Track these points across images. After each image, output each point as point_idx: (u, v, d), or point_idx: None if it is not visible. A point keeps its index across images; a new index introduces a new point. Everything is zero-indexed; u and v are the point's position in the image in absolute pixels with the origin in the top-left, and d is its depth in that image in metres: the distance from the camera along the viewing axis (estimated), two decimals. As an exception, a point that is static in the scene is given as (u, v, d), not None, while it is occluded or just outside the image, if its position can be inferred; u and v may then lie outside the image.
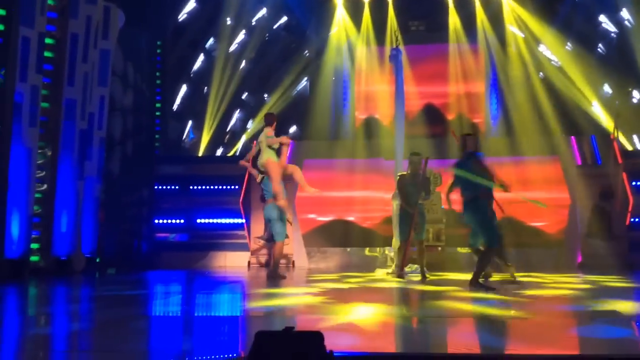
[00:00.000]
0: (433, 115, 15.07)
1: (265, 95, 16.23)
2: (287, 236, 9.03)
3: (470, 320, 4.87)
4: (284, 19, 16.25)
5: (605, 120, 14.04)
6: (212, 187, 13.86)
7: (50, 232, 10.48)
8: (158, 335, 4.41)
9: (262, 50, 15.91)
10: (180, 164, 14.58)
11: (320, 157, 13.43)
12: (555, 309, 5.69)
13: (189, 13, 15.55)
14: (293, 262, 12.85)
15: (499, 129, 15.04)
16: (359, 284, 8.26)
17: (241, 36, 15.90)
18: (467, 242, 8.11)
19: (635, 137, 14.23)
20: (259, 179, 9.16)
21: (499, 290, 6.91)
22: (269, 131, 8.91)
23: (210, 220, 13.77)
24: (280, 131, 9.76)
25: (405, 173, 9.16)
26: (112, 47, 11.96)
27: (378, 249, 12.73)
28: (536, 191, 10.64)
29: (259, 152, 9.11)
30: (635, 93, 14.71)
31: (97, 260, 11.71)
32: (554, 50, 15.02)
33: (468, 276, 8.95)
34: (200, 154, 15.08)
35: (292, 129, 16.12)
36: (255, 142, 9.40)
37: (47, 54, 10.44)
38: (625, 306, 5.70)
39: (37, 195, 10.25)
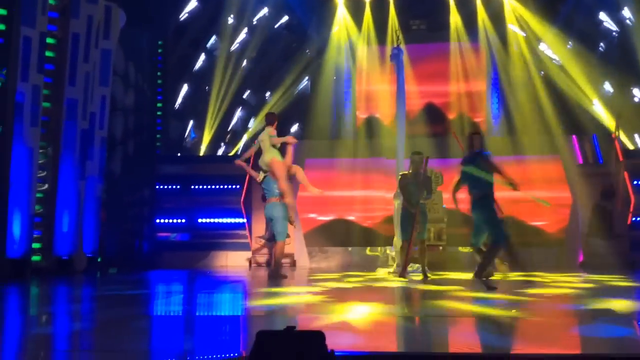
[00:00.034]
0: (434, 115, 15.07)
1: (267, 95, 16.23)
2: (288, 235, 9.02)
3: (471, 319, 4.87)
4: (285, 18, 16.24)
5: (607, 119, 14.02)
6: (213, 186, 13.87)
7: (52, 232, 10.49)
8: (159, 334, 4.42)
9: (263, 49, 15.91)
10: (182, 163, 14.59)
11: (322, 157, 13.44)
12: (556, 308, 5.68)
13: (190, 12, 15.55)
14: (295, 261, 12.86)
15: (500, 128, 15.04)
16: (360, 283, 8.26)
17: (242, 35, 15.91)
18: (468, 242, 8.13)
19: (636, 136, 14.21)
20: (260, 178, 9.02)
21: (500, 290, 6.90)
22: (272, 130, 8.89)
23: (212, 220, 13.78)
24: (281, 130, 9.73)
25: (406, 172, 9.16)
26: (114, 47, 11.97)
27: (379, 248, 12.73)
28: (537, 190, 10.61)
29: (258, 152, 9.09)
30: (636, 92, 14.68)
31: (99, 259, 11.72)
32: (555, 49, 15.01)
33: (469, 276, 8.96)
34: (201, 153, 15.09)
35: (294, 128, 16.12)
36: (255, 141, 9.37)
37: (48, 53, 10.46)
38: (621, 305, 5.69)
39: (38, 195, 10.26)
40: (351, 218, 13.36)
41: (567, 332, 4.24)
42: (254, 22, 16.02)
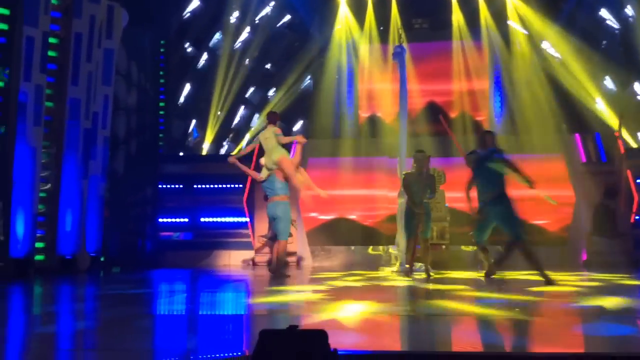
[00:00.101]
0: (436, 113, 15.05)
1: (269, 93, 16.23)
2: (290, 235, 9.00)
3: (474, 318, 4.86)
4: (288, 17, 16.24)
5: (610, 117, 14.00)
6: (216, 185, 13.88)
7: (55, 231, 10.51)
8: (162, 333, 4.42)
9: (265, 48, 15.92)
10: (184, 162, 14.62)
11: (324, 156, 13.44)
12: (558, 307, 5.67)
13: (192, 12, 15.56)
14: (298, 260, 12.87)
15: (503, 126, 15.02)
16: (363, 282, 8.26)
17: (245, 34, 15.91)
18: (472, 239, 8.12)
19: (639, 134, 14.18)
20: (263, 177, 8.86)
21: (503, 289, 6.90)
22: (277, 129, 8.86)
23: (214, 219, 13.79)
24: (282, 129, 9.69)
25: (410, 172, 9.16)
26: (116, 47, 11.98)
27: (381, 247, 12.74)
28: (540, 189, 10.60)
29: (256, 151, 9.02)
30: (639, 90, 14.64)
31: (102, 259, 11.74)
32: (557, 47, 14.98)
33: (472, 274, 8.96)
34: (203, 152, 15.11)
35: (297, 127, 16.11)
36: (253, 140, 9.33)
37: (51, 53, 10.48)
38: (624, 303, 5.68)
39: (41, 194, 10.28)
40: (353, 217, 13.36)
41: (570, 331, 4.23)
42: (256, 21, 16.03)
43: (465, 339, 3.97)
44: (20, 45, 9.66)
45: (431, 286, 7.60)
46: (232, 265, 13.23)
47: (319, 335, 2.72)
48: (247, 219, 13.46)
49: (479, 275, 8.78)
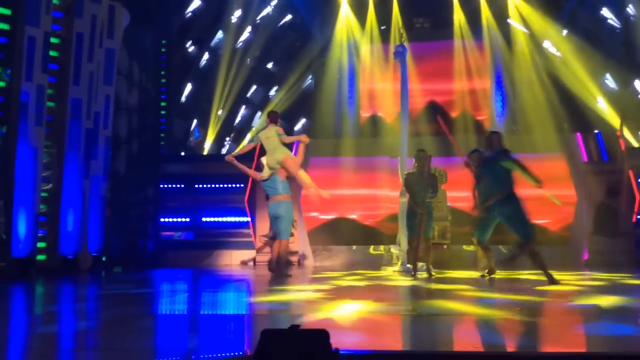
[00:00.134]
0: (437, 113, 15.04)
1: (271, 93, 16.23)
2: (292, 234, 8.99)
3: (476, 318, 4.86)
4: (289, 16, 16.25)
5: (611, 116, 13.98)
6: (217, 185, 13.89)
7: (57, 231, 10.53)
8: (164, 333, 4.43)
9: (267, 48, 15.92)
10: (186, 162, 14.63)
11: (325, 155, 13.44)
12: (559, 306, 5.67)
13: (193, 11, 15.57)
14: (299, 259, 12.88)
15: (504, 126, 15.01)
16: (364, 281, 8.26)
17: (246, 34, 15.92)
18: (474, 238, 8.12)
19: (641, 133, 14.18)
20: (265, 176, 8.84)
21: (504, 288, 6.89)
22: (279, 128, 8.86)
23: (216, 219, 13.80)
24: (284, 128, 9.68)
25: (411, 171, 9.16)
26: (117, 46, 11.99)
27: (382, 247, 12.74)
28: (544, 189, 10.59)
29: (256, 150, 9.02)
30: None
31: (104, 259, 11.75)
32: (558, 46, 14.97)
33: (473, 274, 8.95)
34: (205, 152, 15.11)
35: (298, 126, 16.11)
36: (253, 139, 9.31)
37: (52, 53, 10.49)
38: (625, 302, 5.68)
39: (43, 194, 10.29)
40: (355, 216, 13.36)
41: (571, 331, 4.23)
42: (258, 21, 16.04)
43: (467, 339, 3.97)
44: (22, 45, 9.67)
45: (432, 286, 7.60)
46: (234, 264, 13.24)
47: (320, 335, 2.72)
48: (249, 219, 13.47)
49: (478, 274, 8.77)
